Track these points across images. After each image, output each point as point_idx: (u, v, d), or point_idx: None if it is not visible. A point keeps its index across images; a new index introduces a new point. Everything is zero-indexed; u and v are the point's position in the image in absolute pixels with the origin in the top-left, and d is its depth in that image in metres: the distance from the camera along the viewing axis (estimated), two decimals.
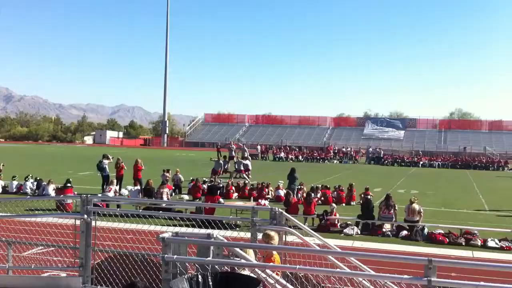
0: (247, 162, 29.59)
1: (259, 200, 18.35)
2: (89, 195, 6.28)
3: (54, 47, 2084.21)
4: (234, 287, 3.78)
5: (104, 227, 7.61)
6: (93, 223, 6.18)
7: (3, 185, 20.60)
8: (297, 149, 63.66)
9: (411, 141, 78.15)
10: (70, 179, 19.54)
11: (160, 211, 8.92)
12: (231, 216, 13.06)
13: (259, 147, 58.25)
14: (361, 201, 16.65)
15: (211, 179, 23.97)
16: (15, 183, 20.77)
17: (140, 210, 11.83)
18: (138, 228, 10.07)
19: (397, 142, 78.48)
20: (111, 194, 17.28)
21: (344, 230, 14.09)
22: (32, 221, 9.05)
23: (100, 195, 17.21)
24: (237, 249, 4.69)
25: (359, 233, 14.01)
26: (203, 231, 5.62)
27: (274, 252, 5.63)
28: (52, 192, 18.56)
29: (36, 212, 13.88)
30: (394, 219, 14.49)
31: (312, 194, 16.40)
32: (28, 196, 19.09)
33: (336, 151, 58.92)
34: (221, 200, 17.01)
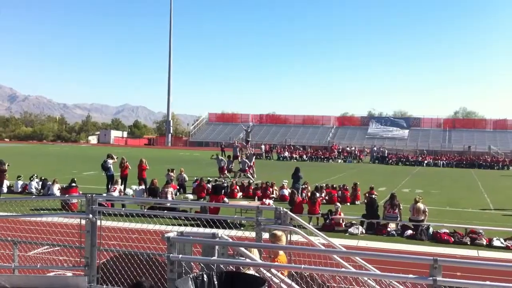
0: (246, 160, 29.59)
1: (264, 200, 18.36)
2: (94, 195, 6.30)
3: (58, 47, 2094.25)
4: (239, 286, 3.78)
5: (109, 226, 7.63)
6: (98, 222, 6.19)
7: (8, 185, 20.68)
8: (301, 149, 63.64)
9: (416, 140, 78.00)
10: (75, 179, 19.62)
11: (165, 211, 8.94)
12: (235, 216, 13.08)
13: (263, 146, 58.28)
14: (365, 201, 16.62)
15: (220, 177, 24.34)
16: (20, 183, 20.87)
17: (145, 210, 11.84)
18: (143, 227, 10.09)
19: (402, 141, 78.37)
20: (116, 193, 17.32)
21: (349, 230, 14.08)
22: (37, 221, 9.09)
23: (105, 194, 17.25)
24: (242, 249, 4.69)
25: (364, 232, 13.99)
26: (208, 230, 5.62)
27: (281, 252, 5.63)
28: (57, 192, 18.62)
29: (42, 211, 13.93)
30: (399, 219, 14.46)
31: (317, 194, 16.39)
32: (33, 196, 19.17)
33: (340, 151, 58.86)
34: (225, 199, 17.02)
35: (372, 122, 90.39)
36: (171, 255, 4.32)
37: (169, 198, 16.68)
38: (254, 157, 32.68)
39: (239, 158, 32.45)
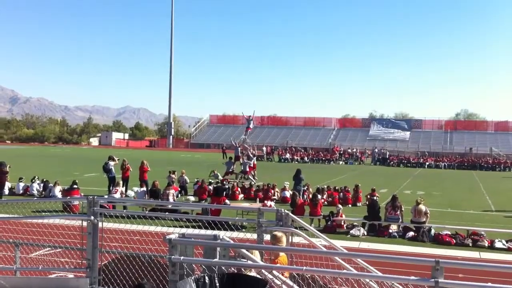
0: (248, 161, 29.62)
1: (265, 201, 18.35)
2: (95, 197, 6.30)
3: (60, 49, 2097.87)
4: None
5: (111, 228, 7.63)
6: (99, 224, 6.19)
7: (10, 186, 20.69)
8: (303, 150, 63.60)
9: (417, 142, 77.92)
10: (76, 181, 19.61)
11: (166, 212, 8.94)
12: (237, 218, 13.03)
13: (264, 148, 58.26)
14: (367, 202, 16.61)
15: (229, 179, 24.78)
16: (21, 184, 20.89)
17: (147, 212, 11.84)
18: (144, 229, 10.11)
19: (403, 143, 78.30)
20: (117, 195, 17.33)
21: (351, 231, 14.06)
22: (39, 223, 9.10)
23: (106, 196, 17.25)
24: (244, 250, 4.69)
25: (365, 234, 13.98)
26: (209, 232, 5.63)
27: (282, 254, 5.63)
28: (58, 194, 18.63)
29: (43, 213, 13.93)
30: (400, 220, 14.44)
31: (319, 196, 16.38)
32: (35, 198, 19.17)
33: (341, 152, 58.82)
34: (227, 201, 17.02)
35: (373, 124, 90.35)
36: (172, 257, 4.32)
37: (171, 200, 16.69)
38: (255, 158, 32.66)
39: (241, 159, 32.44)
